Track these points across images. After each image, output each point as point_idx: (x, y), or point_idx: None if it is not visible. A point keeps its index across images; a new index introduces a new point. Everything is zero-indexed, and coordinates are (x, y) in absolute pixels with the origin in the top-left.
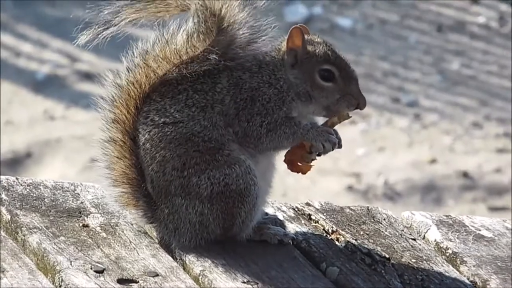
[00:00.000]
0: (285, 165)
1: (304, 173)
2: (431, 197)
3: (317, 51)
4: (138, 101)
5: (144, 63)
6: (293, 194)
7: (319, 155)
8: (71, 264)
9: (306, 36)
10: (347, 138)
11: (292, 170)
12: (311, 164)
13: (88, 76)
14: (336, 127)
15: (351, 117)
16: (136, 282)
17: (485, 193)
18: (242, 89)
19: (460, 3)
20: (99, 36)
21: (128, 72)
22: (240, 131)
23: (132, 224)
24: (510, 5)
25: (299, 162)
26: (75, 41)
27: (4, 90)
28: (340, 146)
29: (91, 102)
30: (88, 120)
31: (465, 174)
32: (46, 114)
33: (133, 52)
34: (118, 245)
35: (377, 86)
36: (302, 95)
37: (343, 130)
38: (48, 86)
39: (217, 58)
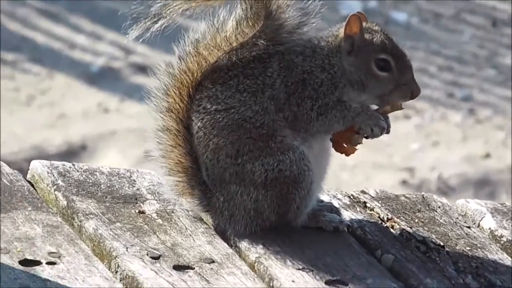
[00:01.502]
0: (339, 160)
1: (347, 155)
2: (484, 191)
3: (374, 39)
4: (190, 89)
5: (196, 51)
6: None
7: (366, 138)
8: (127, 250)
9: (364, 24)
10: (401, 132)
11: (336, 150)
12: (356, 147)
13: (142, 69)
14: (390, 119)
15: (403, 108)
16: (192, 268)
17: None
18: (293, 72)
19: None
20: (150, 29)
21: (180, 61)
22: (291, 115)
23: (188, 211)
24: None
25: (344, 144)
26: (127, 36)
27: (58, 83)
28: (388, 132)
29: (145, 94)
30: (142, 113)
31: None
32: (100, 106)
33: (184, 41)
34: (174, 232)
35: (431, 80)
36: (355, 83)
37: (398, 124)
38: (102, 78)
39: (265, 43)
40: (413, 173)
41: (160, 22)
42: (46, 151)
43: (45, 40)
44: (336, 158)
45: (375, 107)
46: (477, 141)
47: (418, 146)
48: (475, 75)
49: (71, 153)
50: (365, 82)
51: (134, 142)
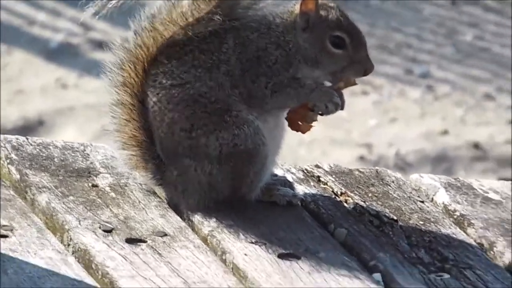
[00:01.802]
0: (297, 136)
1: (303, 132)
2: (442, 168)
3: (329, 16)
4: (146, 64)
5: (151, 26)
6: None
7: (321, 114)
8: (79, 223)
9: (319, 1)
10: (359, 108)
11: (292, 129)
12: (312, 124)
13: (101, 45)
14: (346, 95)
15: (357, 84)
16: (145, 241)
17: (495, 164)
18: (248, 49)
19: None
20: (106, 6)
21: (136, 35)
22: (245, 91)
23: (141, 185)
24: None
25: (299, 121)
26: (84, 12)
27: (17, 59)
28: (342, 108)
29: (102, 70)
30: (100, 89)
31: (476, 146)
32: (59, 82)
33: (140, 16)
34: (127, 205)
35: (390, 57)
36: (309, 60)
37: (356, 101)
38: (61, 54)
39: (221, 18)
40: (371, 149)
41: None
42: (3, 126)
43: (5, 16)
44: (293, 134)
45: (328, 84)
46: (435, 118)
47: (376, 122)
48: (434, 52)
49: (28, 128)
50: (319, 59)
51: (92, 117)
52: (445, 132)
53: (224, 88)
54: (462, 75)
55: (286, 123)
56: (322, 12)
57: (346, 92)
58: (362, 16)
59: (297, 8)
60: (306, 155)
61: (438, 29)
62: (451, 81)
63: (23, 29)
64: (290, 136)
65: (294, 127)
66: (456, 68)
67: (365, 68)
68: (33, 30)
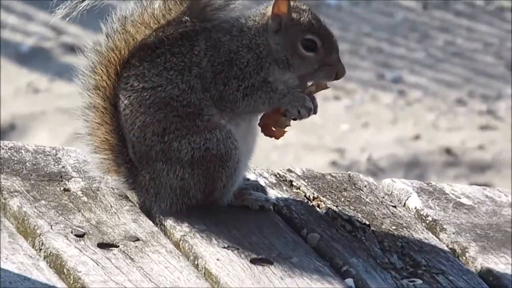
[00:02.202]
0: (270, 141)
1: (277, 138)
2: (414, 173)
3: (301, 19)
4: (118, 67)
5: (123, 29)
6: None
7: (294, 119)
8: (51, 228)
9: (292, 3)
10: (331, 113)
11: (265, 134)
12: (285, 130)
13: (73, 49)
14: (318, 100)
15: (329, 87)
16: (117, 246)
17: (467, 169)
18: (220, 52)
19: None
20: (76, 8)
21: (107, 38)
22: (217, 94)
23: (113, 189)
24: None
25: (273, 127)
26: (53, 15)
27: None
28: (315, 112)
29: (74, 73)
30: (72, 93)
31: (448, 151)
32: (30, 86)
33: (112, 19)
34: (99, 210)
35: (362, 62)
36: (280, 62)
37: (328, 105)
38: (32, 58)
39: (191, 21)
40: (343, 154)
41: (86, 1)
42: None
43: None
44: (266, 138)
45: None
46: (407, 123)
47: (348, 127)
48: (405, 57)
49: (0, 132)
50: (290, 61)
51: (64, 122)
52: (417, 137)
53: (195, 91)
54: (434, 80)
55: (258, 128)
56: (295, 15)
57: (318, 97)
58: (334, 20)
59: (269, 11)
60: (279, 160)
61: (410, 34)
62: (423, 86)
63: None
64: (263, 141)
65: (268, 132)
66: (428, 73)
67: (337, 71)
68: (4, 34)
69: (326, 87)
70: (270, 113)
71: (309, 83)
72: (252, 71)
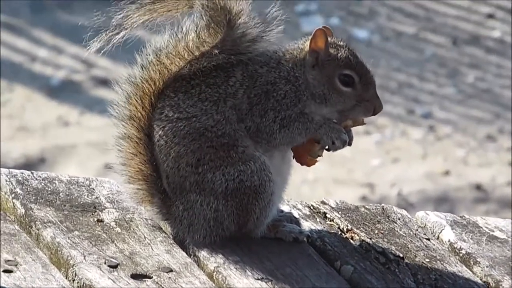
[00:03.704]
0: (300, 175)
1: (308, 166)
2: (444, 208)
3: (339, 54)
4: (152, 98)
5: (157, 60)
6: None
7: (328, 150)
8: (84, 258)
9: (329, 39)
10: (361, 148)
11: (297, 161)
12: (317, 159)
13: (103, 82)
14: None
15: (365, 123)
16: (150, 277)
17: (497, 205)
18: (257, 83)
19: (476, 17)
20: (111, 41)
21: (142, 69)
22: (253, 126)
23: (146, 220)
24: None
25: (305, 155)
26: (87, 48)
27: (18, 95)
28: (350, 144)
29: (106, 107)
30: (102, 126)
31: (478, 187)
32: (60, 120)
33: (147, 51)
34: (133, 240)
35: (392, 97)
36: (317, 97)
37: (358, 140)
38: (63, 91)
39: (226, 53)
40: (373, 189)
41: (121, 34)
42: (5, 163)
43: (6, 53)
44: (297, 172)
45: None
46: (437, 158)
47: (379, 162)
48: (435, 92)
49: (30, 166)
50: (327, 96)
51: (93, 155)
52: (447, 173)
53: (231, 122)
54: (464, 116)
55: (292, 159)
56: (332, 50)
57: None
58: (364, 55)
59: (307, 45)
60: (310, 194)
61: (440, 70)
62: (453, 121)
63: (24, 66)
64: (294, 174)
65: (300, 160)
66: (458, 109)
67: (374, 107)
68: (35, 67)
69: (362, 123)
70: (305, 141)
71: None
72: (290, 103)
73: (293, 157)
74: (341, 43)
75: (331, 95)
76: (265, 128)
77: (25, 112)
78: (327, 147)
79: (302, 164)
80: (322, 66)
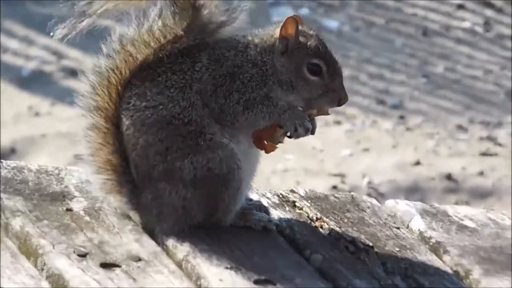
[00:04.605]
0: (270, 165)
1: (267, 152)
2: (414, 198)
3: (308, 43)
4: (119, 87)
5: (123, 48)
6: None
7: (289, 137)
8: (54, 247)
9: (300, 27)
10: (332, 138)
11: (256, 146)
12: (277, 146)
13: (74, 73)
14: (319, 125)
15: (330, 114)
16: (119, 266)
17: (468, 196)
18: (223, 66)
19: (446, 8)
20: (76, 28)
21: (107, 58)
22: (217, 107)
23: (116, 209)
24: (495, 10)
25: (266, 141)
26: (51, 35)
27: None
28: (313, 133)
29: (75, 96)
30: (73, 117)
31: (449, 177)
32: (31, 110)
33: (112, 39)
34: (102, 230)
35: (362, 88)
36: (284, 83)
37: (329, 130)
38: (33, 82)
39: (192, 38)
40: (344, 179)
41: (85, 21)
42: None
43: None
44: (267, 163)
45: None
46: (408, 149)
47: (349, 153)
48: (406, 83)
49: (1, 156)
50: (294, 84)
51: (64, 146)
52: (417, 163)
53: (196, 108)
54: (434, 106)
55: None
56: (302, 39)
57: (319, 122)
58: (334, 45)
59: (277, 32)
60: (279, 185)
61: (410, 61)
62: (423, 112)
63: None
64: (264, 164)
65: (260, 145)
66: (428, 99)
67: (340, 97)
68: (5, 58)
69: (327, 113)
70: (266, 127)
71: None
72: (255, 86)
73: (253, 142)
74: (311, 32)
75: (298, 83)
76: (228, 110)
77: None
78: (289, 133)
79: (261, 150)
80: (291, 54)
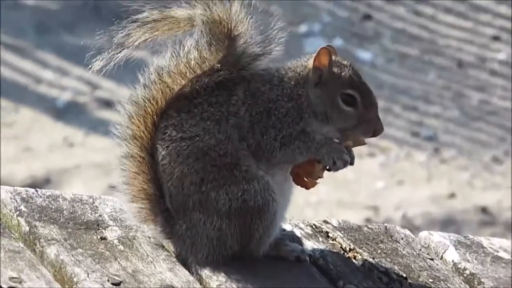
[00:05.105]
0: (303, 197)
1: (308, 188)
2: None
3: (342, 73)
4: (155, 117)
5: (159, 79)
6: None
7: (328, 170)
8: (88, 276)
9: (333, 57)
10: (366, 170)
11: (296, 183)
12: (317, 181)
13: (108, 104)
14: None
15: (366, 143)
16: None
17: (503, 228)
18: (259, 100)
19: (480, 39)
20: (113, 60)
21: (144, 88)
22: (254, 143)
23: (149, 238)
24: None
25: (305, 177)
26: (89, 67)
27: (24, 117)
28: (352, 164)
29: (111, 128)
30: (107, 147)
31: (484, 210)
32: (66, 141)
33: (149, 70)
34: (135, 258)
35: (396, 119)
36: (319, 114)
37: (363, 163)
38: (68, 113)
39: (228, 70)
40: (378, 212)
41: (123, 52)
42: (11, 185)
43: (11, 74)
44: (300, 194)
45: (337, 140)
46: (442, 181)
47: (383, 185)
48: (440, 115)
49: (35, 186)
50: (329, 115)
51: (98, 176)
52: (452, 196)
53: (232, 141)
54: (469, 139)
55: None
56: (335, 69)
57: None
58: (368, 77)
59: (310, 63)
60: (313, 216)
61: (444, 92)
62: (458, 144)
63: (30, 87)
64: (297, 196)
65: (300, 182)
66: (463, 132)
67: (375, 128)
68: (40, 89)
69: (363, 143)
70: (306, 162)
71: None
72: (291, 121)
73: (293, 179)
74: (345, 62)
75: (333, 114)
76: (266, 146)
77: (31, 134)
78: (328, 167)
79: (302, 186)
80: (325, 85)
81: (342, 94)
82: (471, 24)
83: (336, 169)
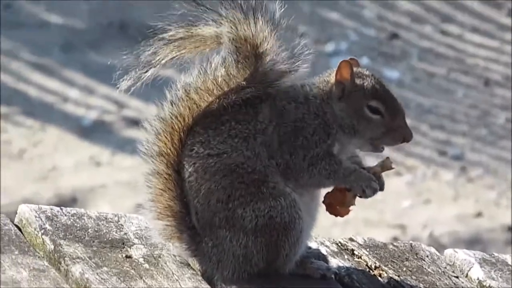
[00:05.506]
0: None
1: (342, 216)
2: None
3: (365, 84)
4: (182, 134)
5: (187, 96)
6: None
7: (360, 197)
8: None
9: (355, 69)
10: (392, 189)
11: (330, 213)
12: (350, 208)
13: (135, 122)
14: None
15: (394, 168)
16: None
17: None
18: (285, 120)
19: (507, 58)
20: (140, 79)
21: (171, 105)
22: (283, 163)
23: (175, 256)
24: None
25: (338, 206)
26: (117, 87)
27: (51, 135)
28: (382, 189)
29: (137, 146)
30: (133, 166)
31: (510, 229)
32: (92, 160)
33: (176, 87)
34: (161, 277)
35: (423, 138)
36: (346, 127)
37: (389, 181)
38: (94, 132)
39: (255, 86)
40: (405, 231)
41: (150, 71)
42: (37, 204)
43: (38, 93)
44: (327, 214)
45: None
46: (469, 200)
47: (410, 204)
48: (467, 134)
49: (61, 206)
50: (356, 127)
51: (124, 195)
52: (478, 215)
53: (261, 159)
54: (496, 158)
55: (320, 196)
56: (358, 81)
57: None
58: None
59: (332, 78)
60: (340, 236)
61: (471, 111)
62: (485, 163)
63: (56, 106)
64: (323, 217)
65: (333, 211)
66: (489, 150)
67: (404, 135)
68: (66, 107)
69: (391, 168)
70: (336, 192)
71: (375, 164)
72: (319, 139)
73: (326, 209)
74: (367, 73)
75: (360, 125)
76: (294, 166)
77: (57, 152)
78: (358, 194)
79: (336, 215)
80: (349, 97)
81: (366, 105)
82: (497, 43)
83: (366, 197)
